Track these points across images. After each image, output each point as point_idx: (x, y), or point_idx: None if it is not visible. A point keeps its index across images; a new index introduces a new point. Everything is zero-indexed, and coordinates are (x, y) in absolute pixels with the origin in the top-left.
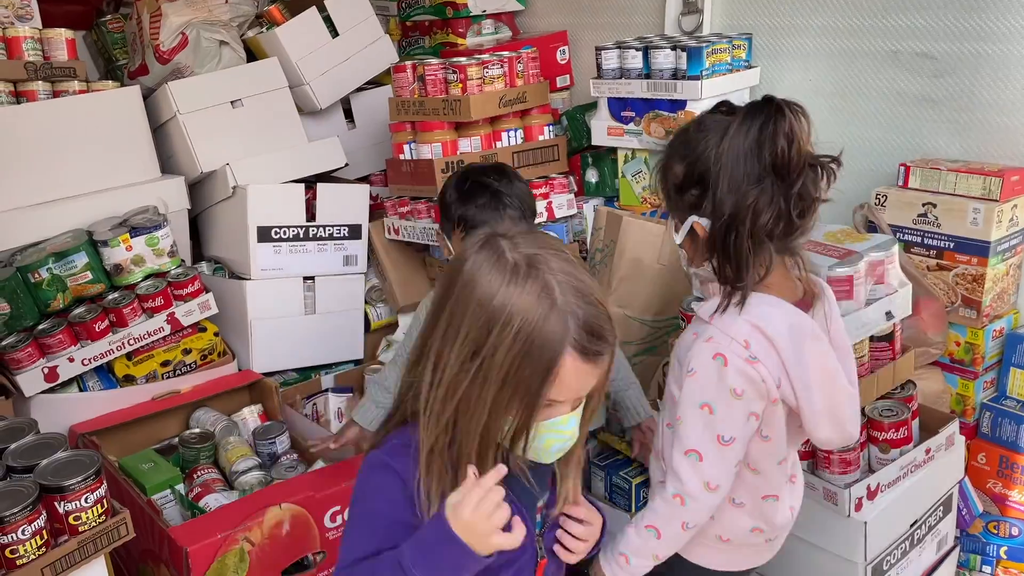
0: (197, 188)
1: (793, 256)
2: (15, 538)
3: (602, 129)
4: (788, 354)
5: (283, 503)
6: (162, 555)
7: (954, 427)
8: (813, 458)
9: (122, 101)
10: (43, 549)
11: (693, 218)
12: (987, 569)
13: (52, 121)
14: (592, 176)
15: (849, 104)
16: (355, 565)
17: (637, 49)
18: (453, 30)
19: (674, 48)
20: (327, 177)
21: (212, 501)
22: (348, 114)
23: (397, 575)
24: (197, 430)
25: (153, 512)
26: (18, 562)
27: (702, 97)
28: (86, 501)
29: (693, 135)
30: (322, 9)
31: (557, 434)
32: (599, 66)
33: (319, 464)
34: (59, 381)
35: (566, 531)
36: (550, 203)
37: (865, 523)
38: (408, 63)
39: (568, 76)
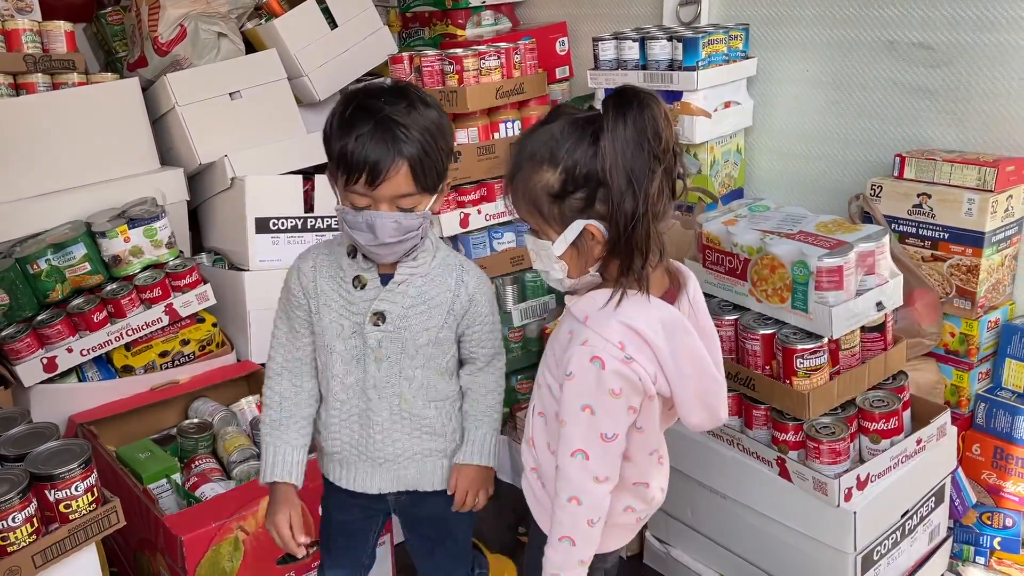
0: (196, 180)
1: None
2: (6, 525)
3: None
4: (662, 350)
5: None
6: (158, 544)
7: (946, 418)
8: (803, 448)
9: (121, 93)
10: (34, 536)
11: (583, 222)
12: (981, 560)
13: (51, 113)
14: None
15: (845, 94)
16: None
17: (634, 40)
18: (453, 21)
19: (670, 39)
20: (326, 168)
21: (208, 490)
22: None
23: None
24: (195, 420)
25: (149, 501)
26: (9, 549)
27: (698, 88)
28: (76, 489)
29: (558, 140)
30: (320, 0)
31: None
32: (596, 57)
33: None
34: (58, 371)
35: None
36: None
37: (855, 513)
38: (405, 54)
39: (568, 67)
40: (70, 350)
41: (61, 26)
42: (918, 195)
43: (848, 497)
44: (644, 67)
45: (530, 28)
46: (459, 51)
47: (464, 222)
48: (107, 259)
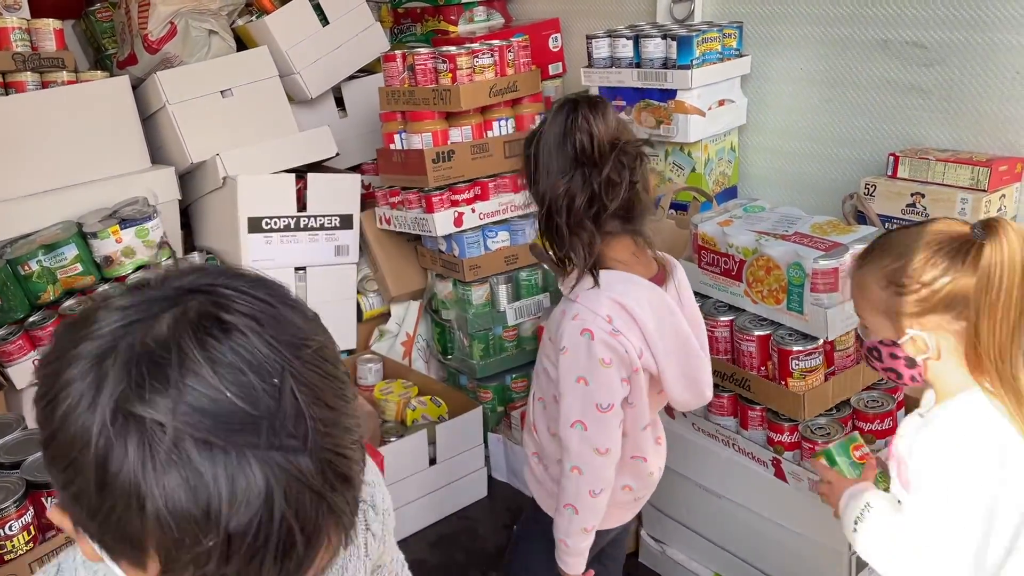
0: (187, 178)
1: (640, 236)
2: (3, 533)
3: None
4: (648, 326)
5: None
6: None
7: None
8: (799, 449)
9: (111, 91)
10: (31, 544)
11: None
12: None
13: (41, 112)
14: None
15: (839, 93)
16: None
17: (628, 38)
18: (445, 17)
19: (664, 37)
20: (318, 167)
21: None
22: (339, 103)
23: None
24: None
25: None
26: (6, 557)
27: (692, 86)
28: None
29: (529, 135)
30: None
31: None
32: (590, 55)
33: None
34: None
35: None
36: None
37: None
38: (398, 52)
39: (560, 64)
40: None
41: (50, 24)
42: (912, 194)
43: None
44: (638, 65)
45: (522, 24)
46: (452, 49)
47: (458, 221)
48: (99, 260)
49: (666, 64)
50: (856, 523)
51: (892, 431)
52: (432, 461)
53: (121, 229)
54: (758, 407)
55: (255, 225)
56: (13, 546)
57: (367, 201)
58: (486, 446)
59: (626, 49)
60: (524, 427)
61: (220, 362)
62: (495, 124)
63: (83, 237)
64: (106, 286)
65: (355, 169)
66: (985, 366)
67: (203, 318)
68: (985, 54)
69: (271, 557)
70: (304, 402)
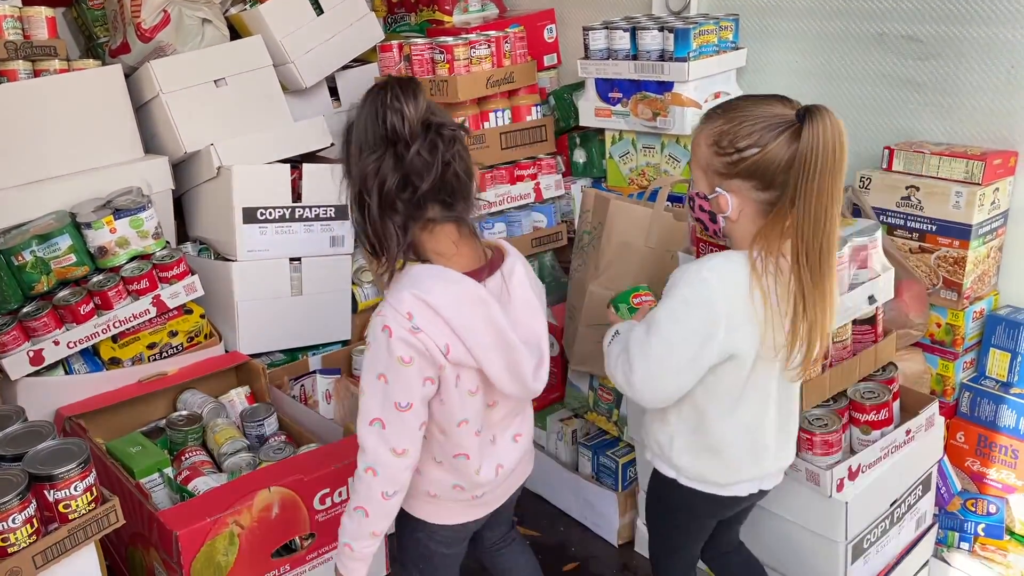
0: (181, 168)
1: (464, 224)
2: (6, 526)
3: (589, 110)
4: (457, 321)
5: (272, 486)
6: (152, 539)
7: (934, 408)
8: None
9: (104, 80)
10: (34, 537)
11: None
12: (965, 546)
13: (33, 101)
14: (580, 157)
15: (834, 86)
16: None
17: (625, 30)
18: (439, 7)
19: (661, 29)
20: (313, 157)
21: (201, 484)
22: (333, 92)
23: None
24: (184, 412)
25: (142, 496)
26: (9, 550)
27: (689, 79)
28: (76, 489)
29: (347, 121)
30: None
31: None
32: (586, 47)
33: (310, 446)
34: (44, 364)
35: None
36: (538, 184)
37: (846, 503)
38: (394, 42)
39: (555, 55)
40: (57, 343)
41: (42, 12)
42: (906, 187)
43: (840, 487)
44: (635, 57)
45: (517, 15)
46: (449, 40)
47: None
48: (93, 250)
49: (663, 56)
50: (607, 346)
51: (888, 422)
52: None
53: (115, 219)
54: None
55: (250, 215)
56: (16, 539)
57: None
58: None
59: (623, 41)
60: None
61: None
62: (491, 115)
63: (77, 227)
64: (99, 277)
65: None
66: (794, 257)
67: None
68: (980, 48)
69: None
70: None
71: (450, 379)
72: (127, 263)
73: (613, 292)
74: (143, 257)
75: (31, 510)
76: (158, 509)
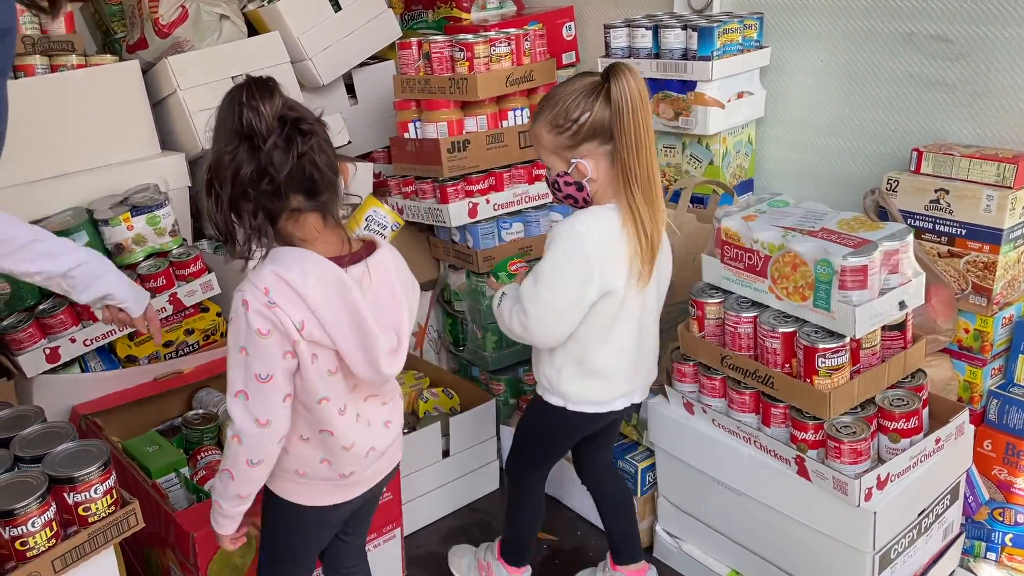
0: (198, 165)
1: (328, 213)
2: (25, 530)
3: None
4: (314, 300)
5: None
6: (168, 539)
7: (964, 416)
8: (823, 447)
9: (121, 76)
10: (53, 541)
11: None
12: (992, 556)
13: (50, 96)
14: None
15: (861, 86)
16: None
17: (647, 28)
18: (457, 4)
19: (685, 28)
20: None
21: None
22: (350, 89)
23: None
24: (200, 411)
25: (159, 496)
26: (28, 554)
27: (712, 78)
28: (96, 492)
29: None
30: None
31: None
32: (607, 45)
33: None
34: (61, 362)
35: None
36: None
37: (875, 513)
38: (413, 40)
39: (574, 52)
40: (73, 340)
41: None
42: (935, 190)
43: (868, 497)
44: (657, 56)
45: (536, 12)
46: (469, 37)
47: (472, 212)
48: (110, 247)
49: (686, 55)
50: (496, 307)
51: (918, 430)
52: (445, 453)
53: (132, 216)
54: (781, 404)
55: None
56: (35, 543)
57: (378, 189)
58: (498, 439)
59: (645, 39)
60: None
61: None
62: (510, 114)
63: (94, 224)
64: None
65: (366, 157)
66: (624, 181)
67: None
68: (1012, 49)
69: None
70: None
71: (306, 356)
72: (144, 260)
73: None
74: (160, 255)
75: (51, 513)
76: (175, 510)
